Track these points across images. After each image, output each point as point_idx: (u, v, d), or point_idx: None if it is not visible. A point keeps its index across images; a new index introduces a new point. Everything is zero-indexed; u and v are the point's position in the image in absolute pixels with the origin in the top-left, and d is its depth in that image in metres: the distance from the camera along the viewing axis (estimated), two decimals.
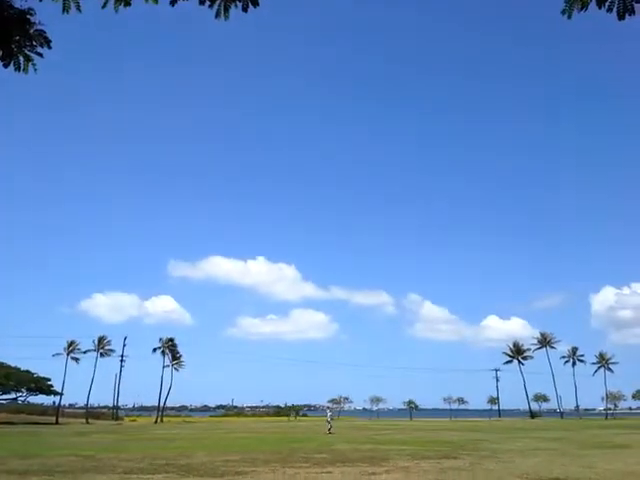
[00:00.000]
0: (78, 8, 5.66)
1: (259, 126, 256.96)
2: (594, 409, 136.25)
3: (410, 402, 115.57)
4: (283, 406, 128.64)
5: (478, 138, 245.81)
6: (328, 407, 68.79)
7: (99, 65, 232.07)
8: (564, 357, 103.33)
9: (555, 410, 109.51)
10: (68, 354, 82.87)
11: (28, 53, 5.92)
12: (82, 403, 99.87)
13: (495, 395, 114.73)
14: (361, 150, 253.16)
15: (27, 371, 72.62)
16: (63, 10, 5.59)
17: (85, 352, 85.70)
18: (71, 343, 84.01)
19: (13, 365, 71.62)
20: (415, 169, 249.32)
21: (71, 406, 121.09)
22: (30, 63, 6.07)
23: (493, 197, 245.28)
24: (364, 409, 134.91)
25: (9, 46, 5.64)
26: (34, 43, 5.85)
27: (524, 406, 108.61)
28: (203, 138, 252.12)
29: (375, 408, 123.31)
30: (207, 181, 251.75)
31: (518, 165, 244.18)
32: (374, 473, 14.80)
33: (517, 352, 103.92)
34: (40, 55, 6.09)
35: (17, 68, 6.00)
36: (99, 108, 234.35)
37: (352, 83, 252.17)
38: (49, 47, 5.91)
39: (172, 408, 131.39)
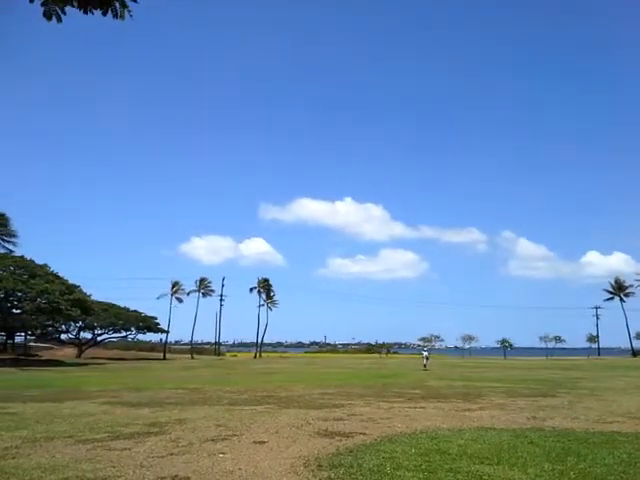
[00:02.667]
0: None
1: (342, 66, 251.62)
2: None
3: (504, 340, 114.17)
4: (374, 344, 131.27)
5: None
6: (424, 345, 68.88)
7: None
8: None
9: None
10: (172, 294, 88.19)
11: None
12: (187, 340, 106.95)
13: (595, 333, 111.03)
14: (444, 87, 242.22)
15: (135, 311, 77.81)
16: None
17: (188, 293, 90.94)
18: (175, 284, 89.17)
19: (122, 305, 77.10)
20: (513, 100, 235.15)
21: (177, 343, 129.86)
22: (126, 9, 6.18)
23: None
24: (456, 347, 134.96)
25: None
26: None
27: (626, 344, 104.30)
28: (287, 78, 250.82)
29: (467, 346, 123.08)
30: (292, 125, 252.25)
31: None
32: (468, 409, 14.88)
33: (619, 288, 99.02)
34: (135, 1, 6.18)
35: (115, 15, 6.11)
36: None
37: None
38: None
39: (269, 344, 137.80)
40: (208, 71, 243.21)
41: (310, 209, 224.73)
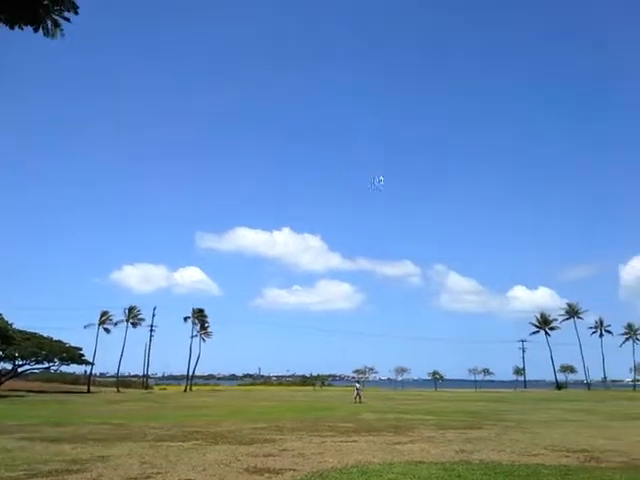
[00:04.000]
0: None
1: (283, 101, 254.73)
2: (622, 380, 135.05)
3: (435, 373, 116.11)
4: (309, 376, 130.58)
5: (497, 91, 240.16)
6: (357, 378, 68.97)
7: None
8: (591, 328, 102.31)
9: (582, 381, 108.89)
10: (100, 324, 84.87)
11: (56, 17, 5.89)
12: (113, 372, 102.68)
13: (521, 366, 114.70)
14: (383, 131, 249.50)
15: (59, 341, 74.29)
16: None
17: (116, 323, 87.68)
18: (104, 313, 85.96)
19: (46, 335, 73.50)
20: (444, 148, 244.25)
21: (102, 375, 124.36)
22: (58, 28, 6.06)
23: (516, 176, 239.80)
24: (389, 379, 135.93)
25: (37, 10, 5.63)
26: (62, 8, 5.82)
27: (550, 377, 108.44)
28: (227, 104, 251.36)
29: (400, 378, 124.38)
30: (232, 154, 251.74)
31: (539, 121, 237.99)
32: (399, 442, 14.95)
33: (544, 323, 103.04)
34: (67, 20, 6.06)
35: (46, 33, 5.98)
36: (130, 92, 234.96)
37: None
38: (76, 12, 5.88)
39: (200, 377, 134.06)
40: (139, 94, 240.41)
41: (248, 238, 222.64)
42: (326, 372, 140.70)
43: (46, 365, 75.90)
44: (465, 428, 19.36)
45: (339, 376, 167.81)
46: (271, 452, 12.95)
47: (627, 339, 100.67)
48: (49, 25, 5.98)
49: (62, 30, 6.01)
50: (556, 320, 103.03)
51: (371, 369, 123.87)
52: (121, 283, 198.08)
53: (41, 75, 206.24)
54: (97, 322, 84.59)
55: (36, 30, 5.95)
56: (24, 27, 5.83)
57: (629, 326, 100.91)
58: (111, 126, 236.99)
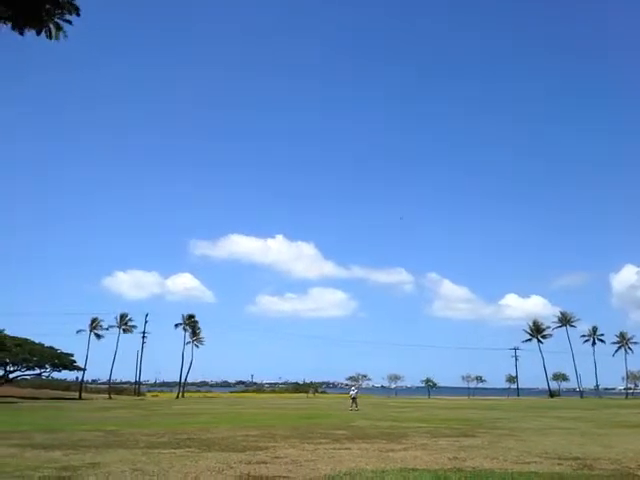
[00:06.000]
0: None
1: (277, 109, 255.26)
2: (614, 388, 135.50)
3: (428, 380, 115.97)
4: (302, 383, 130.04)
5: (494, 105, 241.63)
6: (353, 385, 68.56)
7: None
8: (584, 336, 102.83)
9: (574, 389, 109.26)
10: (91, 330, 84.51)
11: (58, 21, 5.91)
12: (105, 379, 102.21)
13: (514, 374, 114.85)
14: (376, 134, 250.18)
15: (50, 347, 73.88)
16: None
17: (107, 329, 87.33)
18: (94, 320, 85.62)
19: (37, 341, 73.01)
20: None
21: (94, 382, 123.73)
22: (60, 31, 6.08)
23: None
24: (382, 387, 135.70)
25: (40, 14, 5.64)
26: (63, 11, 5.83)
27: (543, 385, 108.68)
28: (221, 110, 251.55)
29: (393, 386, 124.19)
30: (226, 161, 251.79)
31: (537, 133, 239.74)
32: (392, 450, 14.91)
33: (536, 331, 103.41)
34: (69, 22, 6.10)
35: (48, 36, 6.01)
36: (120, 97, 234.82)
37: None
38: (78, 15, 5.90)
39: (193, 384, 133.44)
40: (133, 101, 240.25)
41: (241, 245, 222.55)
42: (319, 379, 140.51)
43: (37, 371, 75.51)
44: (458, 436, 19.33)
45: (332, 383, 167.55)
46: (264, 459, 12.88)
47: (619, 348, 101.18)
48: (51, 28, 6.01)
49: (65, 32, 6.04)
50: (549, 328, 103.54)
51: (364, 376, 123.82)
52: (113, 290, 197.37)
53: (41, 74, 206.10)
54: (88, 328, 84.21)
55: (38, 33, 5.98)
56: (27, 31, 5.85)
57: (621, 335, 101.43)
58: (104, 133, 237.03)
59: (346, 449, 15.06)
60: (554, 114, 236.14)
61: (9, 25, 5.24)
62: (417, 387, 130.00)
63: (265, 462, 12.43)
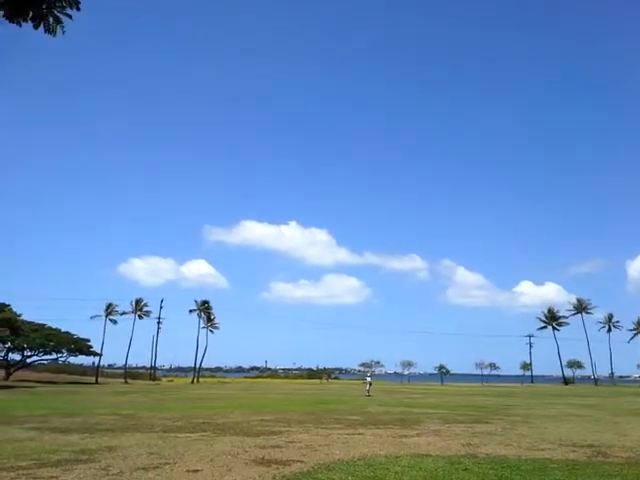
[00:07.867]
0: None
1: (293, 97, 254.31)
2: (629, 376, 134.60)
3: (441, 367, 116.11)
4: (315, 369, 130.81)
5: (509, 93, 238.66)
6: (368, 371, 68.92)
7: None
8: (600, 323, 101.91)
9: (589, 377, 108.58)
10: (107, 316, 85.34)
11: (58, 14, 5.88)
12: (121, 364, 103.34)
13: (528, 361, 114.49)
14: (395, 110, 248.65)
15: (67, 332, 74.77)
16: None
17: (122, 314, 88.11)
18: (109, 305, 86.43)
19: (54, 326, 73.93)
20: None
21: (110, 366, 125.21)
22: (59, 25, 6.04)
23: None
24: (395, 373, 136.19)
25: (40, 7, 5.62)
26: (64, 4, 5.81)
27: (557, 372, 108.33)
28: (233, 99, 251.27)
29: (406, 372, 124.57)
30: (240, 147, 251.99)
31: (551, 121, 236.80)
32: (405, 436, 14.97)
33: (551, 318, 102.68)
34: (69, 16, 6.05)
35: (47, 30, 5.97)
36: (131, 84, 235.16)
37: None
38: (78, 9, 5.87)
39: (207, 369, 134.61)
40: (148, 87, 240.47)
41: (255, 232, 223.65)
42: (332, 366, 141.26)
43: (54, 356, 76.52)
44: (472, 422, 19.34)
45: (345, 370, 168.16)
46: (278, 444, 12.99)
47: (635, 335, 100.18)
48: (51, 21, 5.96)
49: (63, 27, 6.00)
50: (564, 316, 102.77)
51: (378, 362, 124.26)
52: (129, 276, 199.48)
53: (40, 73, 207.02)
54: (103, 314, 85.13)
55: (36, 27, 5.93)
56: (23, 23, 5.82)
57: (638, 322, 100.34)
58: (120, 120, 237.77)
59: (360, 434, 15.14)
60: (570, 100, 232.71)
61: (5, 16, 5.26)
62: (430, 374, 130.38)
63: (279, 446, 12.55)
